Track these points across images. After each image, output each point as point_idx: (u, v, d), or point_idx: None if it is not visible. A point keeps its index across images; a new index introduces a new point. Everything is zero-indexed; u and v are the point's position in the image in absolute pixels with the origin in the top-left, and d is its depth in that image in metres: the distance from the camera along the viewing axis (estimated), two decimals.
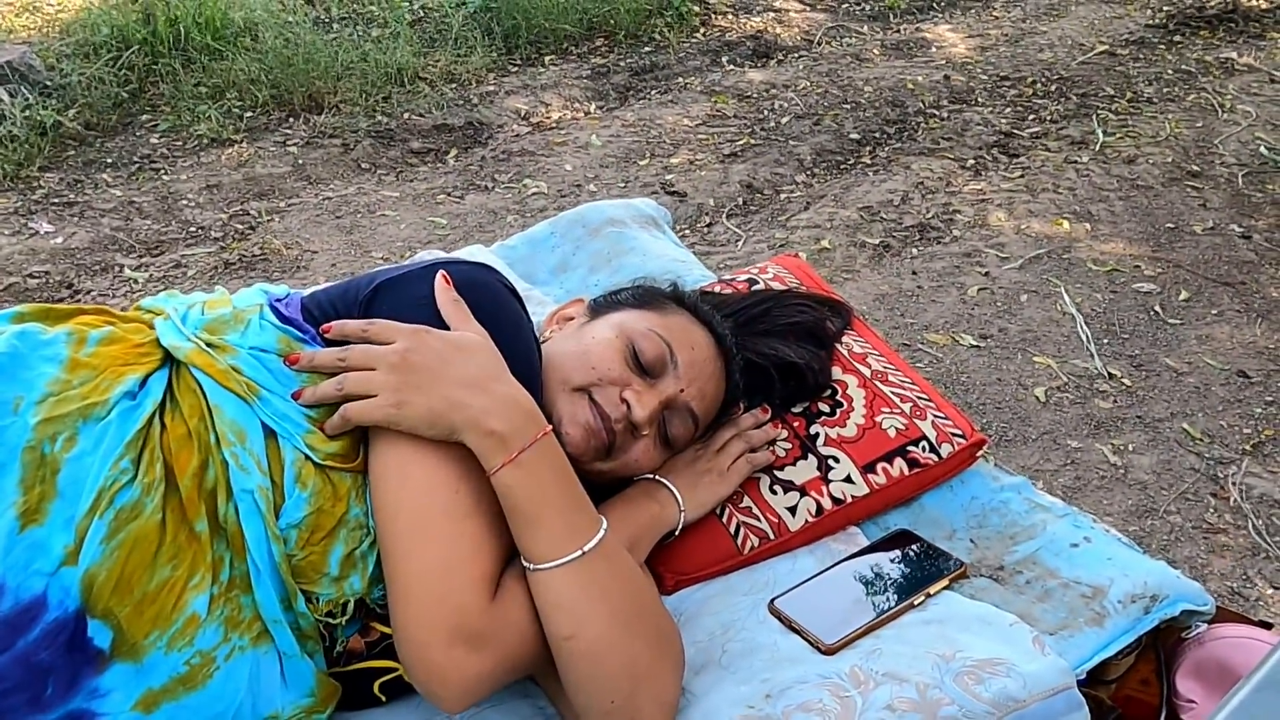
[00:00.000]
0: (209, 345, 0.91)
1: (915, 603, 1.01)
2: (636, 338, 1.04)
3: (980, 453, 1.20)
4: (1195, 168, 3.83)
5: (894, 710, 0.86)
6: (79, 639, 0.80)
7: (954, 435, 1.17)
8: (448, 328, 0.93)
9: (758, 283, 1.39)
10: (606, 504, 1.03)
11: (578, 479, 0.91)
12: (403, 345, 0.89)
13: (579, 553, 0.87)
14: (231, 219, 3.13)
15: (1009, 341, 2.63)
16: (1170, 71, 5.02)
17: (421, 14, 4.77)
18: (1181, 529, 2.02)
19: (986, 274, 2.95)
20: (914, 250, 3.09)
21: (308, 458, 0.88)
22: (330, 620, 0.90)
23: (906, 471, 1.14)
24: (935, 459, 1.15)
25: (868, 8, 5.86)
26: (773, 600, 1.02)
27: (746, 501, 1.11)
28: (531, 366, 0.96)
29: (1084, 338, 2.64)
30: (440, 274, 0.96)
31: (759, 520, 1.10)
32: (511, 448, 0.86)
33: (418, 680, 0.84)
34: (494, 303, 0.96)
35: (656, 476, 1.08)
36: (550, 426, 0.90)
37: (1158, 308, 2.81)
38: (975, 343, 2.62)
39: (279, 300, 0.98)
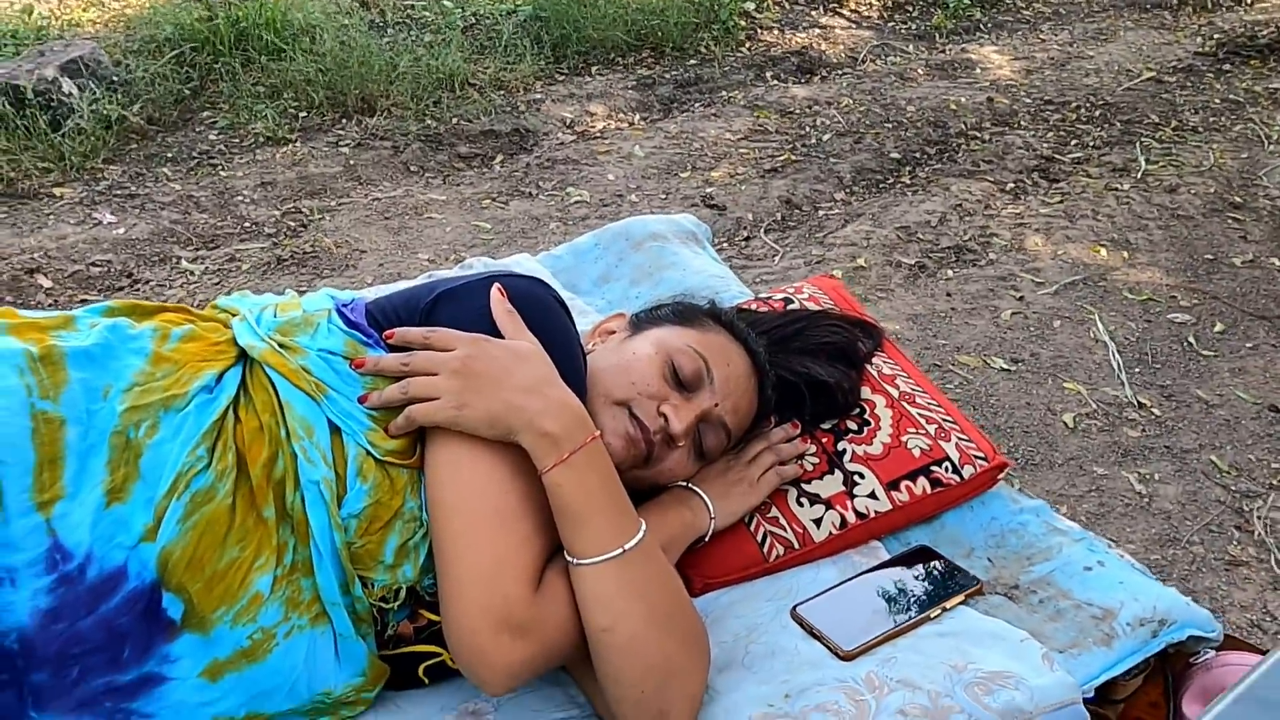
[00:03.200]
0: (281, 346, 0.98)
1: (932, 615, 1.06)
2: (675, 354, 1.10)
3: (1001, 476, 1.24)
4: (1238, 199, 3.82)
5: (906, 715, 0.91)
6: (154, 609, 0.88)
7: (976, 458, 1.22)
8: (502, 337, 0.99)
9: (793, 302, 1.44)
10: (642, 508, 1.08)
11: (620, 483, 0.97)
12: (464, 352, 0.96)
13: (620, 550, 0.93)
14: (284, 216, 3.23)
15: (1040, 366, 2.65)
16: (1217, 100, 4.99)
17: (473, 20, 4.87)
18: (1203, 559, 2.04)
19: (1021, 298, 2.98)
20: (949, 272, 3.12)
21: (369, 453, 0.95)
22: (383, 605, 0.96)
23: (929, 490, 1.19)
24: (957, 479, 1.20)
25: (913, 27, 5.88)
26: (795, 607, 1.08)
27: (774, 512, 1.17)
28: (579, 376, 1.02)
29: (1115, 366, 2.66)
30: (496, 286, 1.02)
31: (785, 530, 1.15)
32: (563, 449, 0.93)
33: (464, 665, 0.91)
34: (545, 315, 1.03)
35: (690, 485, 1.14)
36: (598, 432, 0.96)
37: (1192, 339, 2.82)
38: (1006, 366, 2.65)
39: (345, 305, 1.06)
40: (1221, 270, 3.24)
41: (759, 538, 1.15)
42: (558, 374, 0.97)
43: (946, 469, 1.20)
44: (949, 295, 2.97)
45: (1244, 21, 6.47)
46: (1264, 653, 1.10)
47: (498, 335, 0.99)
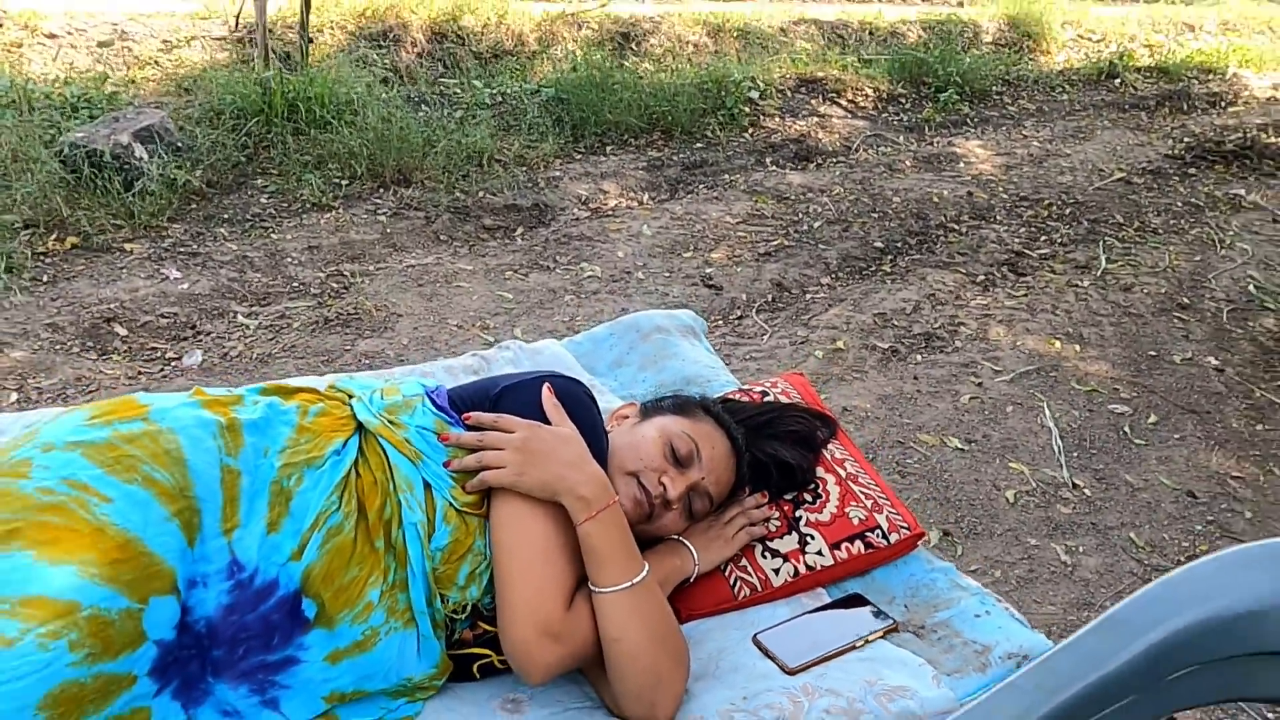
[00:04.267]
0: (390, 422, 1.35)
1: (857, 645, 1.41)
2: (673, 438, 1.46)
3: (920, 543, 1.61)
4: (1186, 300, 4.22)
5: (829, 713, 1.27)
6: (296, 610, 1.23)
7: (901, 527, 1.58)
8: (550, 423, 1.36)
9: (769, 394, 1.82)
10: (644, 554, 1.44)
11: (631, 534, 1.34)
12: (522, 435, 1.33)
13: (629, 584, 1.29)
14: (329, 278, 3.62)
15: (990, 447, 3.03)
16: (1180, 204, 5.40)
17: (500, 99, 5.32)
18: None
19: (980, 384, 3.36)
20: (918, 357, 3.51)
21: (451, 505, 1.31)
22: (454, 616, 1.32)
23: (863, 551, 1.55)
24: (885, 544, 1.56)
25: (905, 119, 6.34)
26: (756, 634, 1.43)
27: (744, 562, 1.53)
28: (603, 453, 1.39)
29: (1057, 449, 3.04)
30: (546, 385, 1.40)
31: (751, 576, 1.52)
32: (593, 508, 1.29)
33: (514, 660, 1.26)
34: (581, 408, 1.40)
35: (680, 538, 1.50)
36: (618, 497, 1.33)
37: (1127, 428, 3.20)
38: (961, 446, 3.02)
39: (432, 391, 1.43)
40: (1162, 366, 3.63)
41: (731, 581, 1.51)
42: (589, 453, 1.34)
43: (878, 535, 1.57)
44: (916, 379, 3.35)
45: (1214, 126, 6.93)
46: None
47: (547, 422, 1.36)
